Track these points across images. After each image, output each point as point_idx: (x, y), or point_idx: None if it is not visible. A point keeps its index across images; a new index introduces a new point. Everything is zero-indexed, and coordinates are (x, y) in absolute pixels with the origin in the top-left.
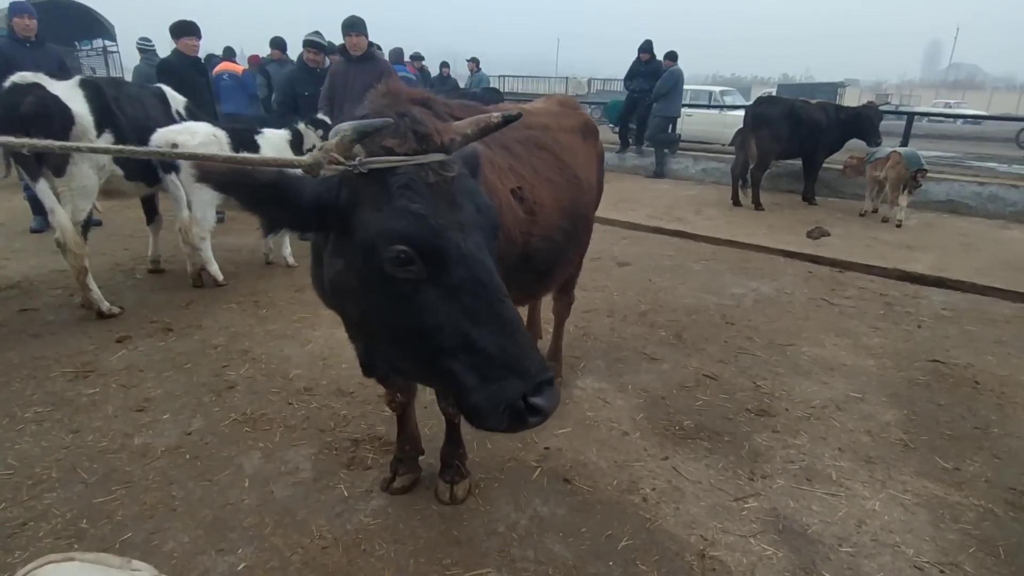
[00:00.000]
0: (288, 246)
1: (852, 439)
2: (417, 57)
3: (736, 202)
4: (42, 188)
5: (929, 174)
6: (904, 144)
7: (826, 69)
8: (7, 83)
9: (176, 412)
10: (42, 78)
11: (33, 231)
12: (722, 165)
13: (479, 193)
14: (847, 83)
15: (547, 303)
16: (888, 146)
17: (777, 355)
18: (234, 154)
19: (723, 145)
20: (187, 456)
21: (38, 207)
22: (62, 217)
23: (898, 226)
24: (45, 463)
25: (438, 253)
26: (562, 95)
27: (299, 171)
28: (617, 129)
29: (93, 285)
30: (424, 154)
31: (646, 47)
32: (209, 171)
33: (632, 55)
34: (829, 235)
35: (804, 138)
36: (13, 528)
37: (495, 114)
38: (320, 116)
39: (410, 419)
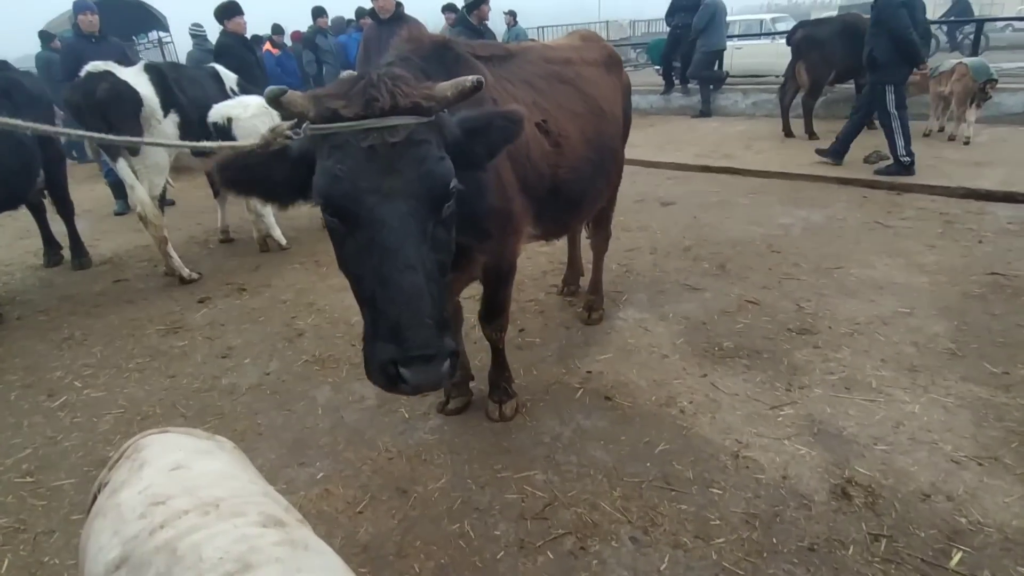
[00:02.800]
0: (277, 227)
1: (896, 351)
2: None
3: (788, 133)
4: (122, 167)
5: (1000, 84)
6: (974, 55)
7: None
8: (82, 73)
9: (255, 357)
10: (112, 66)
11: (117, 214)
12: (773, 97)
13: (428, 161)
14: None
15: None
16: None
17: (823, 278)
18: (201, 143)
19: (777, 77)
20: (267, 392)
21: (119, 192)
22: (141, 193)
23: (966, 143)
24: (150, 402)
25: (348, 214)
26: (585, 30)
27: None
28: (661, 70)
29: (174, 253)
30: (368, 115)
31: None
32: (229, 181)
33: None
34: (888, 159)
35: (859, 56)
36: None
37: (469, 78)
38: None
39: (458, 346)
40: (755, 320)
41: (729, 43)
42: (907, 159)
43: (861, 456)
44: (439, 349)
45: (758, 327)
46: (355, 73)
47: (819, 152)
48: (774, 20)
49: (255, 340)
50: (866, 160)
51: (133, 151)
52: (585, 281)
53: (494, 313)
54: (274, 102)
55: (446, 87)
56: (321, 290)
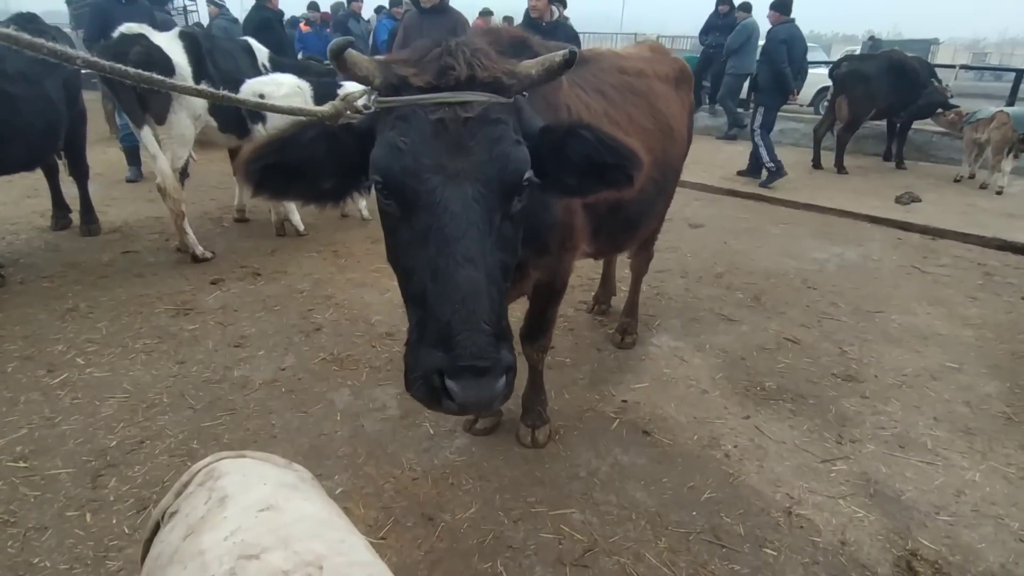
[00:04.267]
0: (296, 212)
1: (948, 409)
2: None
3: (817, 164)
4: (146, 135)
5: None
6: (1010, 104)
7: (917, 28)
8: (116, 33)
9: (270, 349)
10: (147, 29)
11: (128, 180)
12: (801, 126)
13: (503, 142)
14: (940, 40)
15: (623, 262)
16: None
17: (864, 321)
18: (262, 101)
19: (801, 105)
20: (283, 389)
21: (133, 158)
22: (163, 163)
23: (999, 193)
24: (156, 389)
25: (406, 193)
26: (653, 42)
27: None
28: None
29: (189, 230)
30: (442, 87)
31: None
32: (260, 176)
33: (707, 9)
34: (920, 201)
35: (903, 95)
36: (132, 445)
37: (558, 53)
38: None
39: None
40: (796, 360)
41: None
42: (772, 165)
43: (923, 526)
44: (495, 361)
45: (800, 369)
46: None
47: (742, 173)
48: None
49: (270, 331)
50: (898, 200)
51: (159, 119)
52: (617, 301)
53: (539, 332)
54: (337, 56)
55: (531, 64)
56: (339, 283)
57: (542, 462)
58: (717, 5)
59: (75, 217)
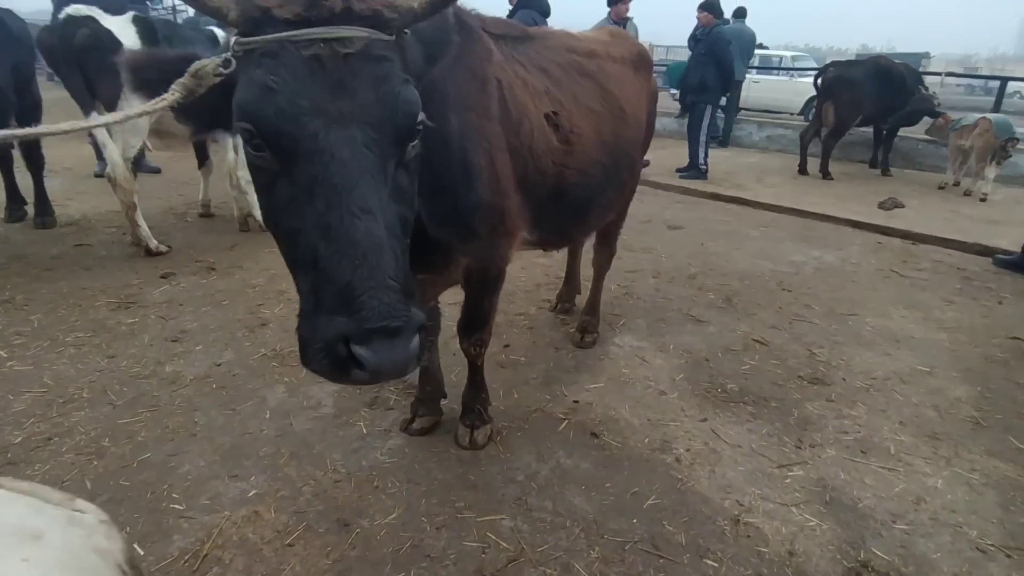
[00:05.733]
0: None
1: (916, 413)
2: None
3: (803, 170)
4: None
5: (1020, 146)
6: (995, 112)
7: (910, 42)
8: (62, 14)
9: (209, 344)
10: (95, 11)
11: (97, 175)
12: (788, 132)
13: (391, 81)
14: (932, 55)
15: (587, 259)
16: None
17: (837, 324)
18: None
19: (792, 115)
20: (214, 385)
21: (102, 152)
22: (113, 152)
23: (982, 200)
24: (78, 384)
25: (284, 140)
26: (615, 27)
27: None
28: (678, 94)
29: (142, 222)
30: (313, 20)
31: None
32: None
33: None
34: (903, 207)
35: (890, 101)
36: (38, 442)
37: None
38: None
39: (432, 359)
40: (763, 362)
41: (747, 76)
42: (704, 167)
43: (879, 535)
44: (406, 320)
45: (766, 371)
46: None
47: (680, 171)
48: (794, 58)
49: (212, 325)
50: (881, 206)
51: (109, 105)
52: (581, 300)
53: (475, 325)
54: None
55: None
56: None
57: (478, 465)
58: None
59: (32, 210)
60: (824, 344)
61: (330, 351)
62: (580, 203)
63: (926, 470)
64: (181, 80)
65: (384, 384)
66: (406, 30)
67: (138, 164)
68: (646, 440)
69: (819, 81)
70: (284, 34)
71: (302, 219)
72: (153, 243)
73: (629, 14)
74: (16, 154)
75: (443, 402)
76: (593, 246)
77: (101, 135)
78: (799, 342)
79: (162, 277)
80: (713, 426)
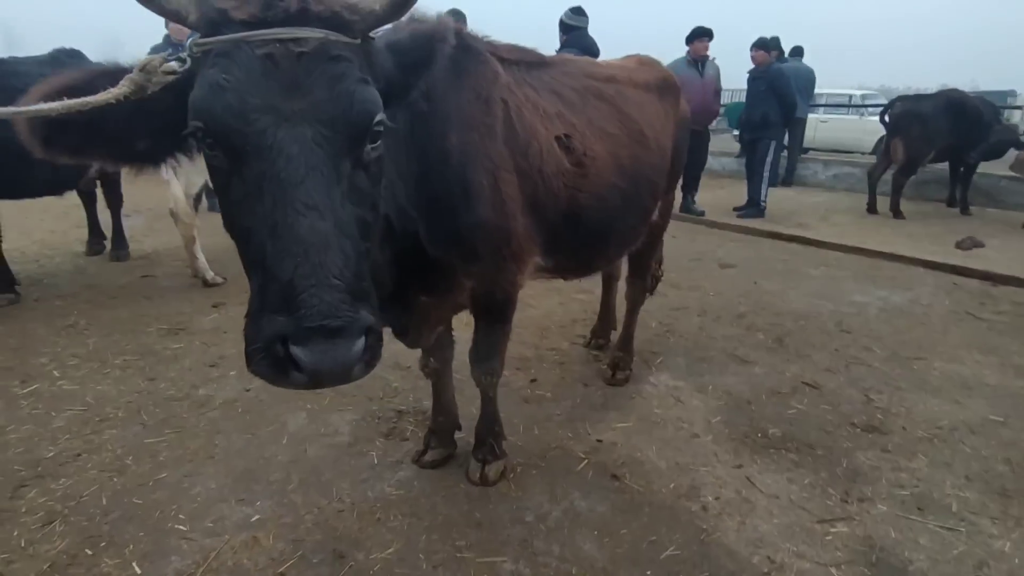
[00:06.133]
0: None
1: (985, 467)
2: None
3: (872, 209)
4: None
5: None
6: None
7: (995, 81)
8: None
9: (242, 370)
10: None
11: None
12: (856, 171)
13: (346, 80)
14: (1018, 92)
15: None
16: None
17: (900, 368)
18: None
19: (863, 154)
20: (240, 410)
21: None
22: (176, 188)
23: None
24: (116, 404)
25: (232, 137)
26: (643, 55)
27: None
28: (738, 134)
29: (200, 255)
30: (270, 20)
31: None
32: (51, 145)
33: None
34: (983, 246)
35: (966, 135)
36: (68, 457)
37: None
38: None
39: (445, 388)
40: (812, 407)
41: (813, 115)
42: (764, 204)
43: None
44: (349, 320)
45: (815, 416)
46: None
47: (737, 209)
48: (863, 96)
49: None
50: (958, 245)
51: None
52: (617, 336)
53: (485, 354)
54: None
55: None
56: None
57: (487, 502)
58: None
59: (110, 244)
60: (883, 389)
61: (268, 351)
62: (598, 228)
63: (992, 531)
64: (129, 75)
65: (405, 416)
66: (371, 34)
67: (198, 200)
68: (671, 485)
69: (886, 117)
70: (240, 35)
71: (252, 217)
72: (209, 275)
73: (709, 53)
74: (99, 193)
75: (458, 435)
76: (626, 279)
77: (166, 172)
78: (855, 386)
79: (213, 307)
80: (748, 473)
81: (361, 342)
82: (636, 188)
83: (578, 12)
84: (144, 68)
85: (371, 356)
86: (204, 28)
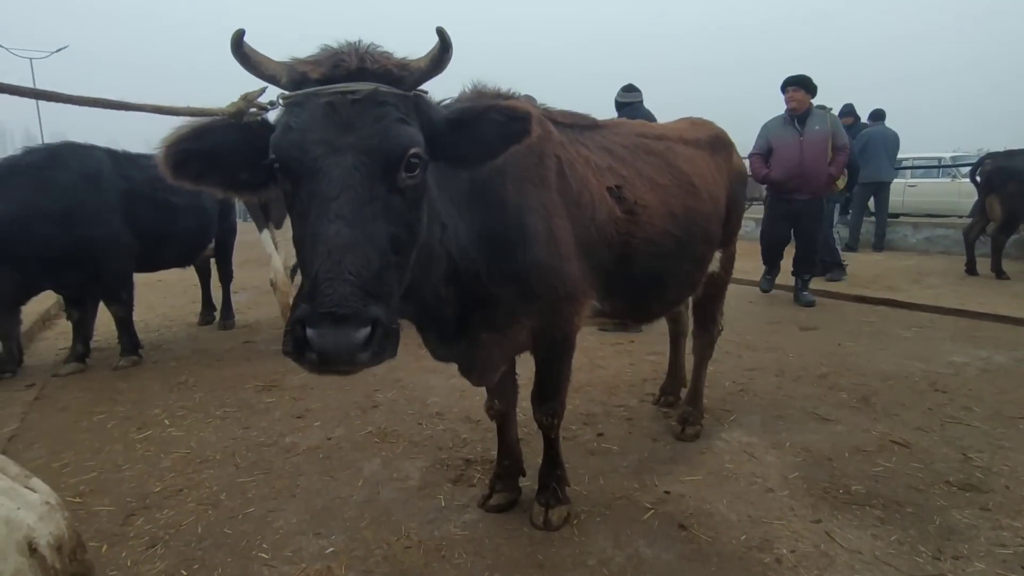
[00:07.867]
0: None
1: None
2: None
3: (971, 270)
4: (265, 236)
5: None
6: None
7: None
8: None
9: (326, 421)
10: None
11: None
12: (951, 232)
13: (385, 120)
14: None
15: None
16: None
17: (1004, 428)
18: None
19: (960, 218)
20: (321, 456)
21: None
22: (276, 261)
23: None
24: (215, 448)
25: (293, 164)
26: (696, 117)
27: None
28: None
29: None
30: (335, 78)
31: (847, 110)
32: (180, 160)
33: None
34: None
35: None
36: (171, 492)
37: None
38: None
39: (509, 431)
40: (901, 465)
41: (900, 180)
42: (845, 263)
43: None
44: (356, 310)
45: (904, 474)
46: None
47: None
48: (954, 158)
49: (332, 405)
50: None
51: (278, 223)
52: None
53: (546, 394)
54: (237, 49)
55: (421, 58)
56: (411, 368)
57: (549, 545)
58: (841, 117)
59: (220, 315)
60: (984, 448)
61: (293, 332)
62: (652, 273)
63: None
64: (234, 101)
65: (473, 464)
66: (421, 88)
67: (296, 272)
68: (743, 537)
69: (977, 175)
70: (311, 90)
71: (303, 230)
72: None
73: (817, 102)
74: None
75: (523, 481)
76: (692, 332)
77: (268, 246)
78: (951, 445)
79: None
80: (828, 528)
81: (365, 331)
82: (689, 235)
83: (629, 89)
84: (245, 96)
85: (379, 348)
86: (290, 87)
